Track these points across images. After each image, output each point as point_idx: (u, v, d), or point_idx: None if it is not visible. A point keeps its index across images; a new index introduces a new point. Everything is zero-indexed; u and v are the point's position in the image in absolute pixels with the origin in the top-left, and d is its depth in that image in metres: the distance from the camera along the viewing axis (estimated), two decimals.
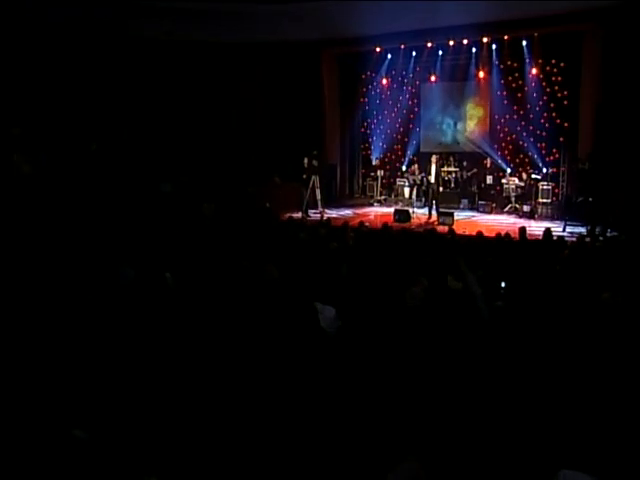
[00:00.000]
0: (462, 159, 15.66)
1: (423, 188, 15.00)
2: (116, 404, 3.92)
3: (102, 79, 13.36)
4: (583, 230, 11.06)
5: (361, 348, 4.52)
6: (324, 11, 12.11)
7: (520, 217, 13.44)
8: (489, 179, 15.05)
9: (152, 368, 4.21)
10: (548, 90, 14.56)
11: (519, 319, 5.09)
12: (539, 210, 13.64)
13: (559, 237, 9.13)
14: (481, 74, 15.08)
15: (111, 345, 4.39)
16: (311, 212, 14.24)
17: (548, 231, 8.92)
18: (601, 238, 10.21)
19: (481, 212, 14.31)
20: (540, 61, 14.41)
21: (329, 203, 15.49)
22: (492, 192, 14.87)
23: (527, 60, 14.38)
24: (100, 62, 13.31)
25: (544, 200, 13.89)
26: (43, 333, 4.48)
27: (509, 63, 15.01)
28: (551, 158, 14.67)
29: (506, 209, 14.25)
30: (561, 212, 13.06)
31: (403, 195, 16.15)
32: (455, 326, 4.70)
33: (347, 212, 14.89)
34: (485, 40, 14.35)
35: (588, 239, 9.71)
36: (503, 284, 6.37)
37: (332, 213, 14.30)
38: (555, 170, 14.49)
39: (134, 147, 12.31)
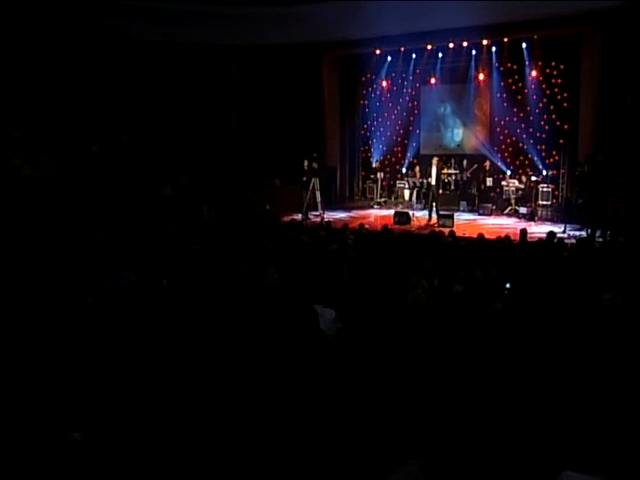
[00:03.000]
0: (462, 161, 15.66)
1: (423, 190, 14.99)
2: (115, 406, 3.92)
3: (102, 81, 13.37)
4: (583, 233, 11.04)
5: (360, 350, 4.51)
6: (325, 14, 12.12)
7: (520, 219, 13.42)
8: (489, 181, 15.04)
9: (152, 371, 4.20)
10: (548, 92, 14.56)
11: (520, 321, 5.09)
12: (539, 212, 13.63)
13: (559, 239, 9.13)
14: (481, 76, 15.08)
15: (110, 346, 4.38)
16: (311, 214, 14.23)
17: (551, 234, 8.91)
18: (601, 240, 10.21)
19: (481, 214, 14.30)
20: (540, 63, 14.41)
21: (329, 205, 15.48)
22: (492, 194, 14.85)
23: (527, 62, 14.39)
24: (100, 64, 13.31)
25: (544, 202, 13.88)
26: (43, 335, 4.48)
27: (509, 65, 15.02)
28: (551, 160, 14.67)
29: (506, 211, 14.23)
30: (561, 214, 13.05)
31: (403, 197, 16.14)
32: (456, 328, 4.70)
33: (347, 214, 14.88)
34: (485, 42, 14.34)
35: (588, 242, 9.70)
36: (508, 285, 6.37)
37: (332, 215, 14.29)
38: (555, 172, 14.49)
39: (135, 150, 12.31)
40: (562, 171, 14.58)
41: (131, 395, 4.21)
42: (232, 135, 15.78)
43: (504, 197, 14.63)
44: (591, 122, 13.17)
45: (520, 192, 14.37)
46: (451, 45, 14.52)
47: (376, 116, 17.26)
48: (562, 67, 14.45)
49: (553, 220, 13.21)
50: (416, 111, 16.82)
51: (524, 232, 9.19)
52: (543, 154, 14.77)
